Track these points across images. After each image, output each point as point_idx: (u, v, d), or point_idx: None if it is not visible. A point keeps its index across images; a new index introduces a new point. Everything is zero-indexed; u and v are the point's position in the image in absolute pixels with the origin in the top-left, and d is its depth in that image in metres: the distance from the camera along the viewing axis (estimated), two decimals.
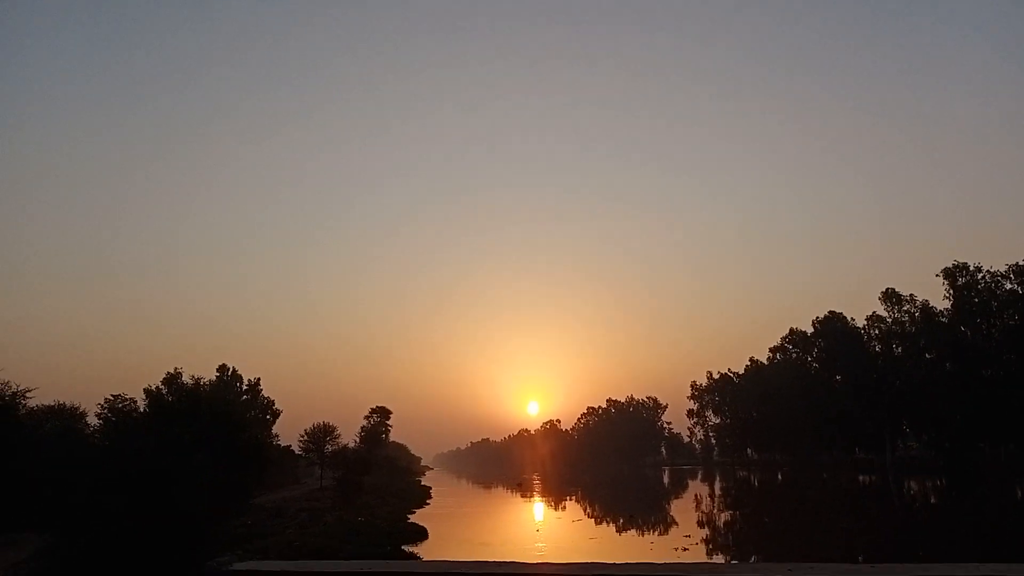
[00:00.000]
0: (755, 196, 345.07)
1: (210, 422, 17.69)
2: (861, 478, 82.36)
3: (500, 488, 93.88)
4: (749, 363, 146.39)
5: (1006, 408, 74.45)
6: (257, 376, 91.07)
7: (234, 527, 19.47)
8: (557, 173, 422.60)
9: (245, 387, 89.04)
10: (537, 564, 4.76)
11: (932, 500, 54.98)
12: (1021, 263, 77.57)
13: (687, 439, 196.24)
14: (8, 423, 27.40)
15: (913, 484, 69.15)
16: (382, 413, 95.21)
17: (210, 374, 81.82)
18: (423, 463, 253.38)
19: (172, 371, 61.89)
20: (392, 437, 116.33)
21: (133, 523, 11.53)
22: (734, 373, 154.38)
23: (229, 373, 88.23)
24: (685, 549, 26.44)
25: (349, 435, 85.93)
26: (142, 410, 22.29)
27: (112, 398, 26.92)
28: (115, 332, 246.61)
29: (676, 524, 39.12)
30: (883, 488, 66.67)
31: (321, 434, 75.10)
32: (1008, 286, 79.41)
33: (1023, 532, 29.96)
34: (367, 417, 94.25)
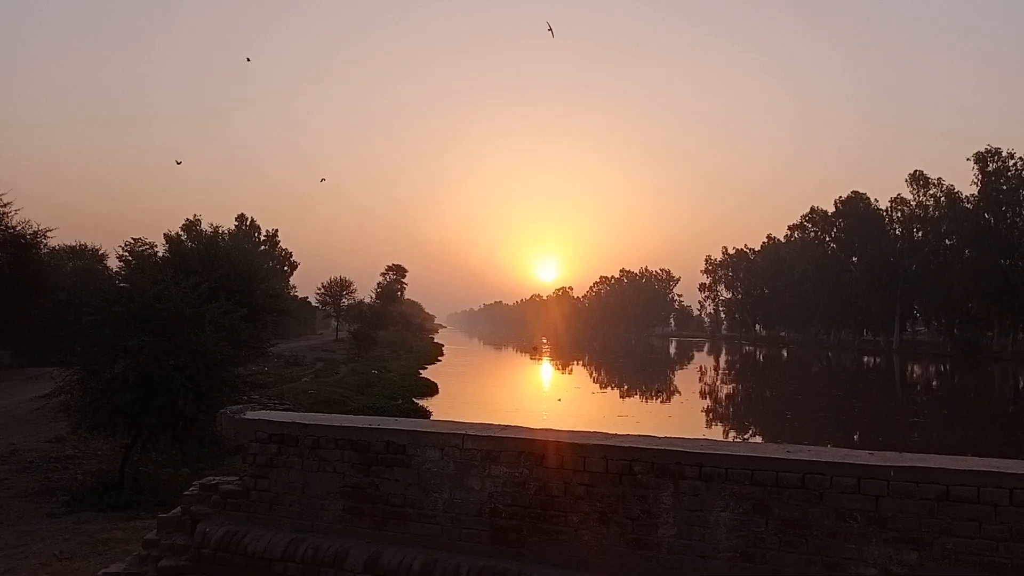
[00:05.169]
0: (797, 67, 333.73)
1: (229, 270, 17.88)
2: (866, 359, 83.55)
3: (511, 350, 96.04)
4: (766, 240, 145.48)
5: (1021, 298, 74.18)
6: (275, 227, 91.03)
7: (252, 374, 19.98)
8: (579, 28, 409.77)
9: (263, 237, 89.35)
10: (560, 432, 4.66)
11: (933, 383, 55.77)
12: None
13: (697, 312, 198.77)
14: (30, 261, 27.86)
15: (916, 368, 70.10)
16: (398, 271, 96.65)
17: (228, 223, 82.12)
18: (437, 321, 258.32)
19: (191, 218, 62.53)
20: (407, 295, 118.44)
21: (155, 362, 11.78)
22: (750, 249, 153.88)
23: (248, 223, 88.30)
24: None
25: (365, 291, 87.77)
26: (161, 254, 22.55)
27: (133, 241, 27.28)
28: (138, 177, 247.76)
29: (707, 400, 39.51)
30: (887, 369, 67.70)
31: (338, 288, 76.74)
32: None
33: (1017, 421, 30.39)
34: (383, 274, 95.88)
